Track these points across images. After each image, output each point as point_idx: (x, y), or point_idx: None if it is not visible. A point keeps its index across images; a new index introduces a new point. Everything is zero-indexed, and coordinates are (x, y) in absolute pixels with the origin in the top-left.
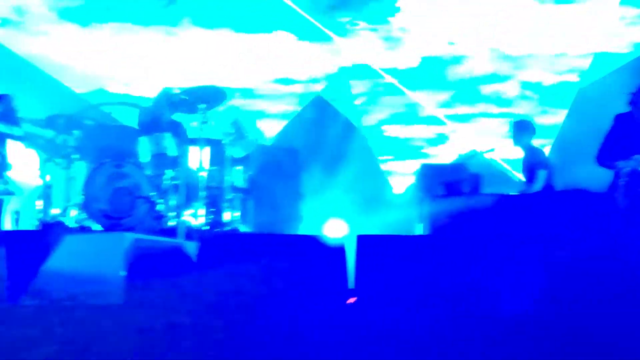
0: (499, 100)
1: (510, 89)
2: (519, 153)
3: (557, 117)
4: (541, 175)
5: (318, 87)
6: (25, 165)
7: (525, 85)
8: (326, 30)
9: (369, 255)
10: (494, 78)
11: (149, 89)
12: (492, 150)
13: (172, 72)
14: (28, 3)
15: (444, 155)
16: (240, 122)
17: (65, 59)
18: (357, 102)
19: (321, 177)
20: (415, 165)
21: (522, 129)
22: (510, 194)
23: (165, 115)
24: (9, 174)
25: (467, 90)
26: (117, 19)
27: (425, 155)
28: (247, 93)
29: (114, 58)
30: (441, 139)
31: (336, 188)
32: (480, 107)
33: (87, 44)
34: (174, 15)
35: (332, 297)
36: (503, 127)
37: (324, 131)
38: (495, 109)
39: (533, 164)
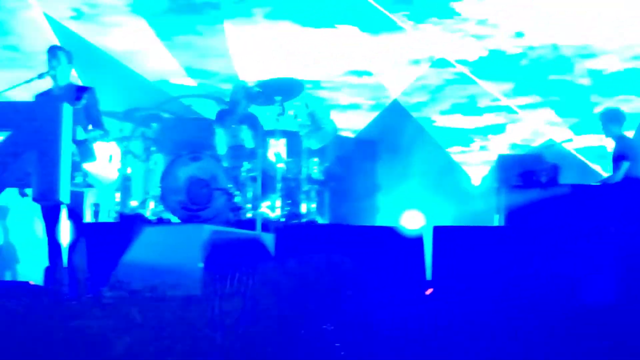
0: (567, 88)
1: (579, 77)
2: (595, 143)
3: (631, 104)
4: (623, 166)
5: (386, 79)
6: (104, 158)
7: (593, 73)
8: (397, 21)
9: (445, 246)
10: (563, 67)
11: (224, 82)
12: (570, 140)
13: (246, 65)
14: None
15: (513, 146)
16: (316, 114)
17: (142, 51)
18: (424, 93)
19: (398, 168)
20: (489, 155)
21: (610, 119)
22: (588, 184)
23: (242, 107)
24: (89, 166)
25: (534, 79)
26: (191, 12)
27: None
28: (321, 85)
29: (190, 51)
30: (509, 128)
31: (413, 179)
32: (547, 96)
33: (161, 37)
34: (246, 9)
35: (410, 288)
36: (572, 117)
37: (400, 127)
38: (562, 98)
39: (618, 154)
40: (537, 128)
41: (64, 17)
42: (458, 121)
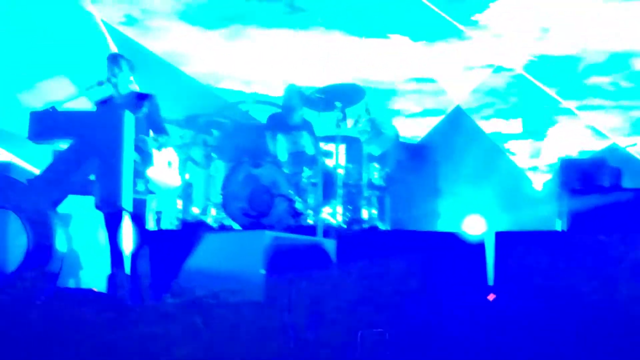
0: (615, 92)
1: (624, 81)
2: None
3: None
4: None
5: (448, 85)
6: (165, 164)
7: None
8: (459, 26)
9: (507, 251)
10: (609, 70)
11: (279, 89)
12: (634, 144)
13: (300, 72)
14: (155, 5)
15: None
16: (376, 120)
17: (201, 59)
18: (485, 98)
19: (459, 173)
20: (551, 160)
21: None
22: None
23: (297, 113)
24: (150, 173)
25: (598, 82)
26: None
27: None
28: (382, 91)
29: (247, 59)
30: (571, 132)
31: (474, 184)
32: (611, 99)
33: (219, 44)
34: (300, 18)
35: (472, 293)
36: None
37: (461, 132)
38: (627, 101)
39: None
40: (599, 131)
41: (121, 24)
42: (519, 125)
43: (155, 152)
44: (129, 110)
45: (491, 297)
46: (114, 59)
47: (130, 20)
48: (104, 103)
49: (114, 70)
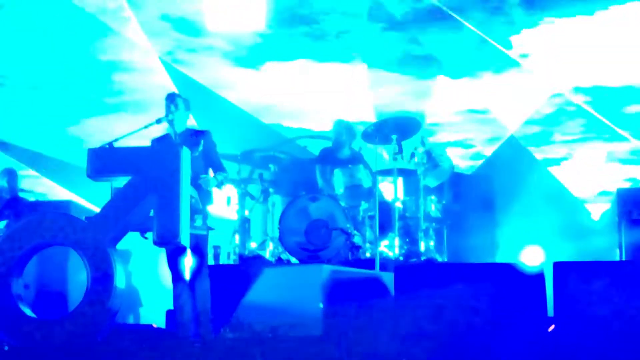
0: None
1: None
2: None
3: None
4: None
5: (502, 114)
6: (223, 200)
7: None
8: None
9: (566, 282)
10: None
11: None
12: None
13: (348, 105)
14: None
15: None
16: (433, 151)
17: (255, 95)
18: (540, 127)
19: (516, 203)
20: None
21: None
22: None
23: (347, 146)
24: (210, 209)
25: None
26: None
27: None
28: (437, 123)
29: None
30: (627, 160)
31: (532, 215)
32: None
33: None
34: (344, 52)
35: (532, 325)
36: None
37: (517, 162)
38: None
39: None
40: None
41: (176, 61)
42: (574, 154)
43: (215, 190)
44: (186, 146)
45: (551, 328)
46: (170, 98)
47: (184, 57)
48: (160, 140)
49: (170, 109)
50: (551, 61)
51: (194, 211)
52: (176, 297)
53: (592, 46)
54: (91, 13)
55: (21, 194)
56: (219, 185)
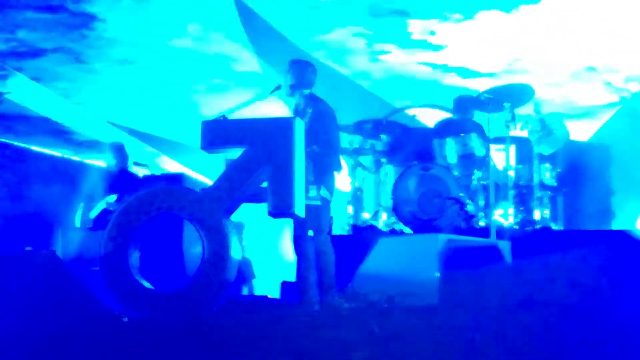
0: None
1: None
2: None
3: None
4: None
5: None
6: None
7: None
8: None
9: None
10: None
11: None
12: None
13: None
14: None
15: None
16: (547, 119)
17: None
18: None
19: (633, 171)
20: None
21: None
22: None
23: (468, 115)
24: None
25: None
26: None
27: None
28: (552, 89)
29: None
30: None
31: None
32: None
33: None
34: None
35: None
36: None
37: (634, 129)
38: None
39: None
40: None
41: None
42: None
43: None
44: (299, 116)
45: None
46: (290, 64)
47: None
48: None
49: (287, 76)
50: None
51: (307, 181)
52: (300, 268)
53: None
54: None
55: (131, 169)
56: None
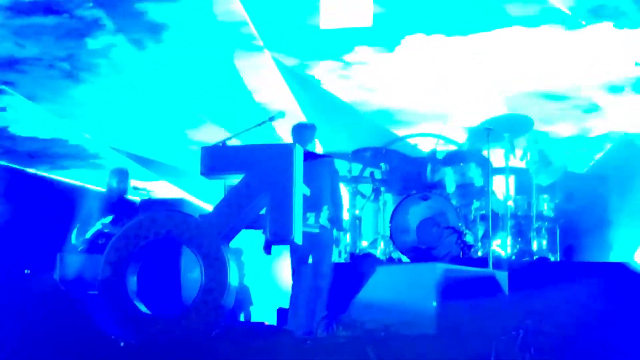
0: None
1: None
2: None
3: None
4: None
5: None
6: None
7: None
8: None
9: None
10: None
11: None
12: None
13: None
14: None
15: None
16: (545, 150)
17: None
18: None
19: (631, 202)
20: None
21: None
22: None
23: (467, 145)
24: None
25: None
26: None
27: None
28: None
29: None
30: None
31: None
32: None
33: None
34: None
35: None
36: None
37: (631, 160)
38: None
39: None
40: None
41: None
42: None
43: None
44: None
45: None
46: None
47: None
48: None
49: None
50: None
51: (305, 209)
52: (293, 296)
53: None
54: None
55: (131, 193)
56: None
